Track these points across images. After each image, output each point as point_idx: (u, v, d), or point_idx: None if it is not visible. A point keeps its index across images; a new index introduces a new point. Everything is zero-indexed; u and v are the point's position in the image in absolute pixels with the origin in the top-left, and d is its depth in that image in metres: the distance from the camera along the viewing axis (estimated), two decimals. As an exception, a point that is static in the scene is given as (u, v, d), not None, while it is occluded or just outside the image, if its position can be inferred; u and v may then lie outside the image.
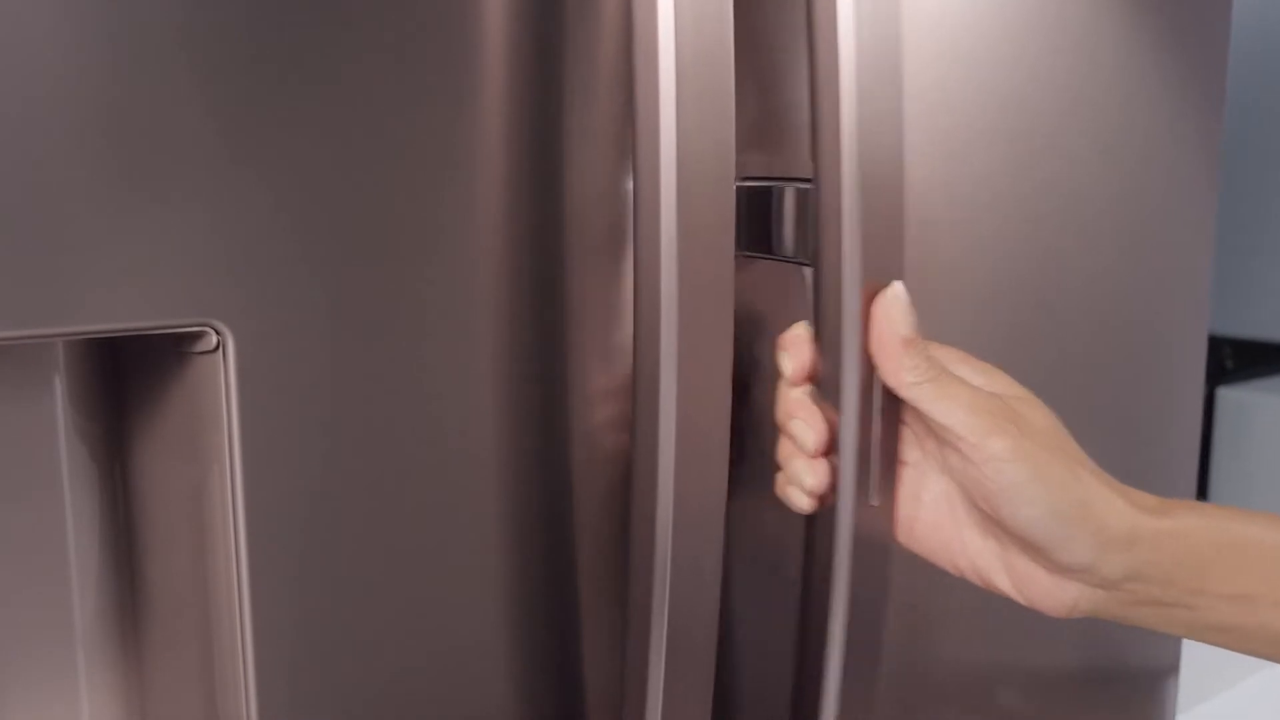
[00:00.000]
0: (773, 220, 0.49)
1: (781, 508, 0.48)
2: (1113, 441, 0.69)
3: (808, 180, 0.46)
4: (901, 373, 0.46)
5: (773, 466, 0.49)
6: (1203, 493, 2.04)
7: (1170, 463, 0.74)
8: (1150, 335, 0.70)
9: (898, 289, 0.47)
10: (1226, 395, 2.05)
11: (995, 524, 0.47)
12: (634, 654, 0.45)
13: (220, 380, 0.39)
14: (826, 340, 0.45)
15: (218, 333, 0.38)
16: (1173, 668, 0.78)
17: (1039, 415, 0.47)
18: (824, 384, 0.46)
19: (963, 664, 0.64)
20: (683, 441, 0.42)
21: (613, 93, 0.46)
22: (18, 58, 0.34)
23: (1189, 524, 0.47)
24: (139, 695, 0.49)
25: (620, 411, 0.49)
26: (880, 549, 0.46)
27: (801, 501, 0.48)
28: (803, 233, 0.48)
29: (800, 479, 0.48)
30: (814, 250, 0.45)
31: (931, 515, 0.49)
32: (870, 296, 0.45)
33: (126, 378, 0.44)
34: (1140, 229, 0.67)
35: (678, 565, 0.43)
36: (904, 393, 0.46)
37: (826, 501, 0.47)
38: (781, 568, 0.54)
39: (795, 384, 0.48)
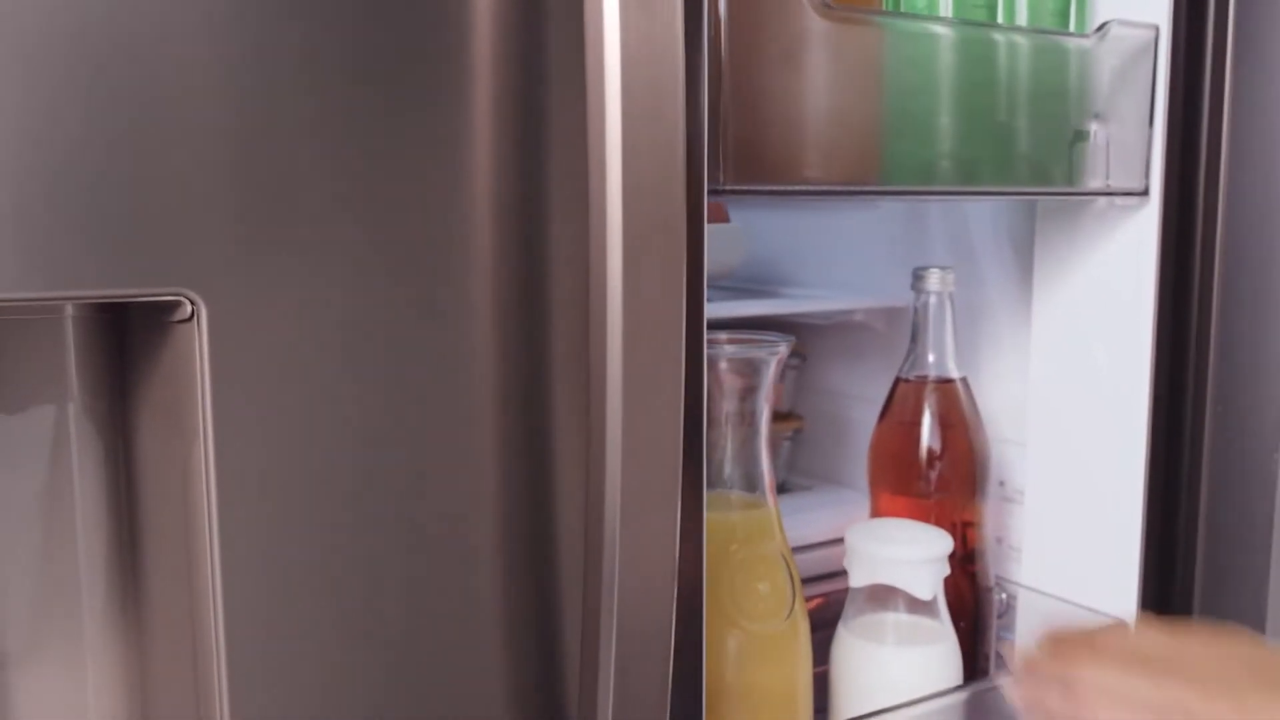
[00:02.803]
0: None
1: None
2: None
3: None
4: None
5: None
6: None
7: None
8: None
9: None
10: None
11: None
12: (588, 647, 0.46)
13: (195, 350, 0.42)
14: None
15: (191, 302, 0.41)
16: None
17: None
18: None
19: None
20: (629, 439, 0.44)
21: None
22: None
23: None
24: (139, 668, 0.52)
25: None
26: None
27: None
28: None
29: None
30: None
31: None
32: None
33: (127, 355, 0.48)
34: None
35: (627, 557, 0.44)
36: None
37: None
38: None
39: None
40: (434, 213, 0.45)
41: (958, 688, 0.69)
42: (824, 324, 0.99)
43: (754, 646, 0.68)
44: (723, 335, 0.70)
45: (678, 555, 0.45)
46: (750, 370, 0.69)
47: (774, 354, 0.68)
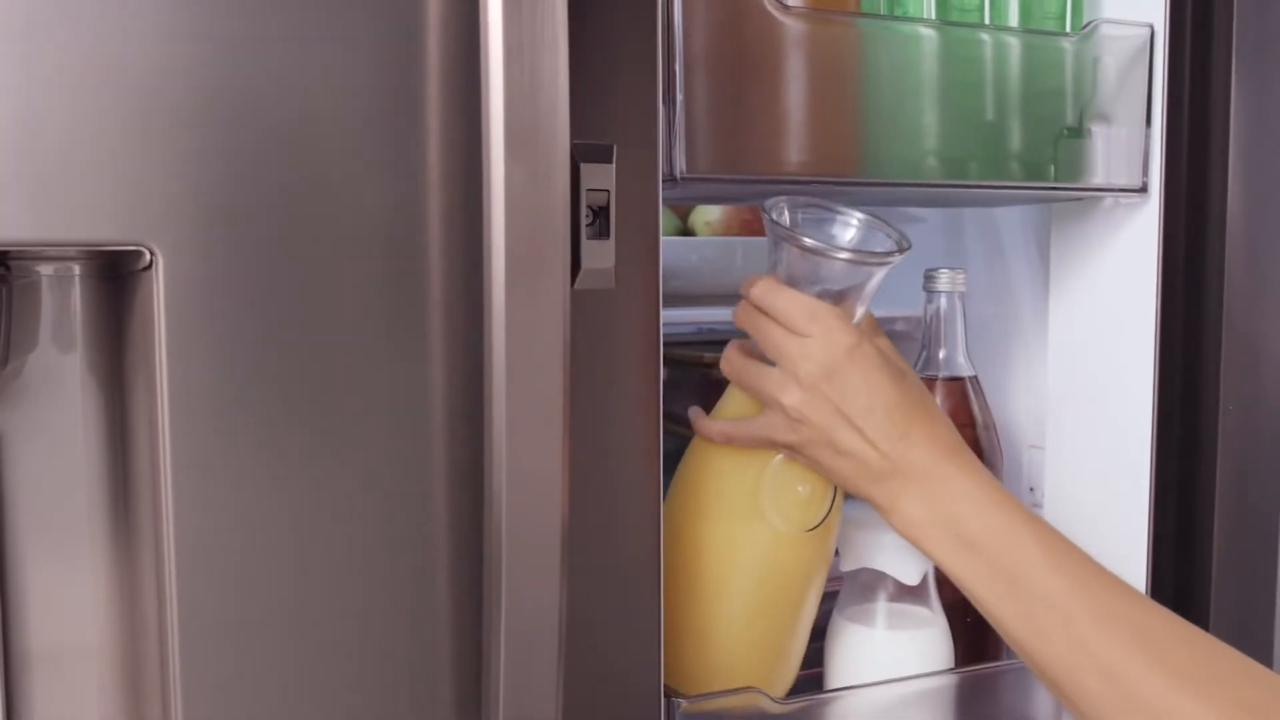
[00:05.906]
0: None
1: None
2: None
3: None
4: None
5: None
6: None
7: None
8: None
9: None
10: None
11: None
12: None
13: (154, 298, 0.48)
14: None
15: (151, 253, 0.48)
16: None
17: None
18: None
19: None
20: (514, 432, 0.49)
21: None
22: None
23: None
24: (132, 617, 0.58)
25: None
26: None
27: None
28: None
29: None
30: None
31: None
32: None
33: (124, 312, 0.55)
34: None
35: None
36: None
37: None
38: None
39: None
40: (391, 201, 0.51)
41: (944, 671, 0.70)
42: (870, 335, 1.01)
43: (777, 545, 0.68)
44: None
45: (566, 499, 0.50)
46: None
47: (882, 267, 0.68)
